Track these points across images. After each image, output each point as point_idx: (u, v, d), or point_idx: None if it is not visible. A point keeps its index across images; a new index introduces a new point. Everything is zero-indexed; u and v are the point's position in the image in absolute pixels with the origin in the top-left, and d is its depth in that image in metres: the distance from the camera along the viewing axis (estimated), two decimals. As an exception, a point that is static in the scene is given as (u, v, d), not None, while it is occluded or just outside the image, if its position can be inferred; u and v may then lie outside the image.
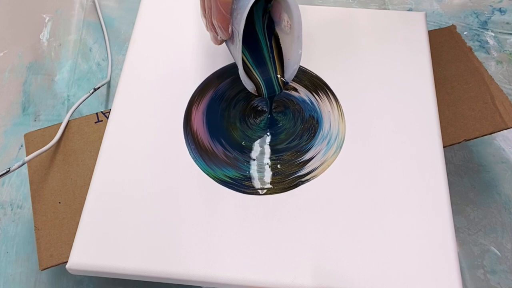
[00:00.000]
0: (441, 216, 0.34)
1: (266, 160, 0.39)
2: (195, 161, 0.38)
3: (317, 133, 0.40)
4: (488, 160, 0.47)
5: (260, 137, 0.40)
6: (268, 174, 0.38)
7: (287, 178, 0.37)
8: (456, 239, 0.42)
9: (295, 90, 0.42)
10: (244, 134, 0.40)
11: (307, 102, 0.41)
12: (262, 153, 0.39)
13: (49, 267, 0.35)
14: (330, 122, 0.40)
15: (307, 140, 0.40)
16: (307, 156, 0.39)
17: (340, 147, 0.38)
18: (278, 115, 0.41)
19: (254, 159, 0.39)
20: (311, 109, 0.41)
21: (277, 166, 0.38)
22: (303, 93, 0.42)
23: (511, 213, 0.44)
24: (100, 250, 0.34)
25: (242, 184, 0.37)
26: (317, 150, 0.39)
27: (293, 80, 0.42)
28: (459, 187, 0.45)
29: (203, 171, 0.37)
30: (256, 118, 0.41)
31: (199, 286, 0.36)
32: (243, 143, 0.40)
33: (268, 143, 0.40)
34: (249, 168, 0.38)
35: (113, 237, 0.34)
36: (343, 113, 0.40)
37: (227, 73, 0.43)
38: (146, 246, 0.34)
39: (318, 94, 0.42)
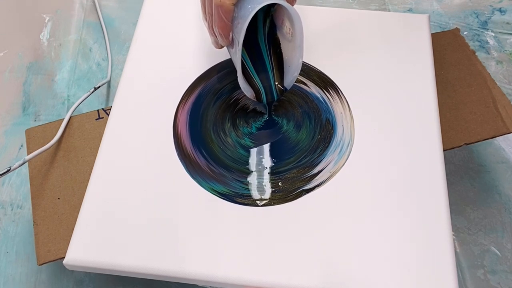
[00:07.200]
0: (439, 219, 0.34)
1: (265, 181, 0.35)
2: (183, 167, 0.35)
3: (331, 141, 0.36)
4: (488, 160, 0.47)
5: (256, 144, 0.36)
6: (267, 191, 0.34)
7: (290, 194, 0.34)
8: (456, 239, 0.42)
9: (305, 84, 0.40)
10: (225, 153, 0.35)
11: (321, 101, 0.38)
12: (260, 175, 0.35)
13: (47, 262, 0.35)
14: (343, 126, 0.37)
15: (319, 152, 0.35)
16: (316, 169, 0.35)
17: (349, 154, 0.36)
18: (292, 131, 0.36)
19: (247, 180, 0.34)
20: (326, 110, 0.38)
21: (278, 184, 0.34)
22: (314, 89, 0.40)
23: (511, 213, 0.44)
24: (98, 246, 0.34)
25: (234, 200, 0.34)
26: (328, 161, 0.35)
27: (301, 74, 0.39)
28: (459, 187, 0.45)
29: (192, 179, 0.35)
30: (248, 123, 0.37)
31: (197, 285, 0.36)
32: (228, 161, 0.34)
33: (269, 167, 0.35)
34: (241, 186, 0.34)
35: (111, 234, 0.34)
36: (352, 115, 0.38)
37: (226, 66, 0.41)
38: (144, 243, 0.34)
39: (329, 92, 0.39)
